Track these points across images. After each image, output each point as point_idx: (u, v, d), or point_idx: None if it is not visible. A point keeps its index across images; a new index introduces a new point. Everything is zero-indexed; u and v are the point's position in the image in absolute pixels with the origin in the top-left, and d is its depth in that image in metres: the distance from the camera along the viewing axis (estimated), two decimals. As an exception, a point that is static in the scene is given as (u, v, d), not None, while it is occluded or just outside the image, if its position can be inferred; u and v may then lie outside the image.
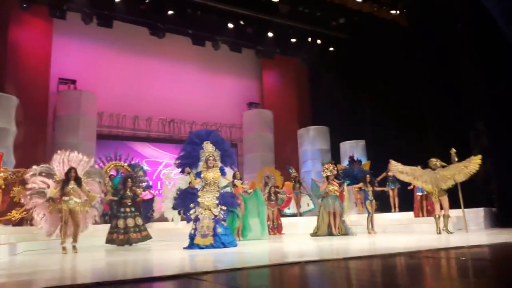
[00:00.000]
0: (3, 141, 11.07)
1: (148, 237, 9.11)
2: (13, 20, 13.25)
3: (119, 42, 15.95)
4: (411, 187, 11.19)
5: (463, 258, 4.22)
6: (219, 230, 6.98)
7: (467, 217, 10.07)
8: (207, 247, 6.77)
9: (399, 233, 9.68)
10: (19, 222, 9.50)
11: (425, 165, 8.92)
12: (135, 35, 15.94)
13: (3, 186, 9.06)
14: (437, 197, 8.52)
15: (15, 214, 9.15)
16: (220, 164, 7.51)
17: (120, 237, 8.79)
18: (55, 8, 13.66)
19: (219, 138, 7.78)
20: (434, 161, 8.69)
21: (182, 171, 7.51)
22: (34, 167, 7.75)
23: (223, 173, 7.55)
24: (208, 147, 7.48)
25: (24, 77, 12.95)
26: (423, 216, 10.98)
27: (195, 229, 7.01)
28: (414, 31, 13.61)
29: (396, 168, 9.00)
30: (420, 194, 11.03)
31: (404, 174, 8.94)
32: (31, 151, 11.62)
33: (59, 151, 8.09)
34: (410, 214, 11.36)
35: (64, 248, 7.19)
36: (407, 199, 11.54)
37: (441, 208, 8.61)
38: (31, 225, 8.65)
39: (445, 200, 8.52)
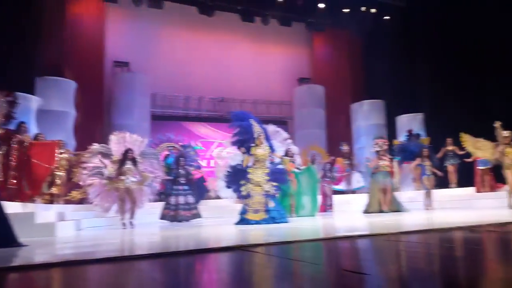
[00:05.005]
0: (64, 123, 11.69)
1: (197, 215, 9.35)
2: (68, 7, 13.75)
3: (169, 22, 16.18)
4: (471, 159, 10.65)
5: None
6: (270, 204, 6.98)
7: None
8: (258, 222, 6.80)
9: (459, 209, 9.28)
10: (80, 200, 10.01)
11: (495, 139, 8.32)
12: (184, 15, 16.13)
13: (66, 167, 9.54)
14: (510, 171, 7.95)
15: (76, 195, 9.66)
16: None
17: (170, 213, 9.17)
18: (107, -7, 14.08)
19: (256, 118, 7.80)
20: (500, 137, 8.11)
21: (240, 147, 7.53)
22: (94, 146, 8.17)
23: (272, 149, 7.57)
24: (255, 124, 7.50)
25: (81, 62, 13.45)
26: (485, 191, 10.46)
27: (247, 205, 7.07)
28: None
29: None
30: (482, 168, 10.48)
31: (470, 146, 8.44)
32: (90, 133, 12.13)
33: (116, 132, 8.45)
34: (471, 189, 10.84)
35: (123, 224, 7.54)
36: (468, 174, 10.99)
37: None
38: (90, 202, 9.09)
39: None
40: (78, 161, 9.67)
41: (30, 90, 10.87)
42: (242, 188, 7.19)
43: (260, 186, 7.13)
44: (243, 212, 7.08)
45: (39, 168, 7.48)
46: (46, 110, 11.28)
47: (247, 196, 7.12)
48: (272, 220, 6.85)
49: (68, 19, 13.57)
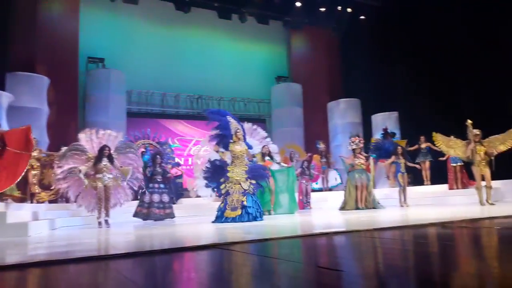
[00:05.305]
0: (37, 121, 11.38)
1: (170, 215, 9.26)
2: (40, 1, 13.42)
3: (145, 18, 16.02)
4: (444, 158, 10.92)
5: (498, 228, 4.07)
6: (246, 202, 6.99)
7: (505, 189, 9.79)
8: (234, 219, 6.81)
9: (433, 205, 9.48)
10: (54, 200, 9.82)
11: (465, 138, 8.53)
12: (161, 11, 16.00)
13: (35, 166, 9.32)
14: (479, 168, 8.16)
15: (44, 196, 9.47)
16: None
17: (143, 211, 9.05)
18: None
19: (233, 116, 7.85)
20: (471, 135, 8.31)
21: (218, 143, 7.50)
22: (63, 148, 7.99)
23: (249, 147, 7.59)
24: (232, 120, 7.50)
25: (53, 57, 13.19)
26: (457, 188, 10.73)
27: (226, 203, 7.05)
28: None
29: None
30: (455, 165, 10.76)
31: (443, 145, 8.63)
32: (63, 130, 11.93)
33: (85, 130, 8.28)
34: (444, 186, 11.12)
35: (99, 223, 7.43)
36: (441, 171, 11.26)
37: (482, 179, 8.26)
38: (66, 202, 8.94)
39: (487, 171, 8.17)
40: (50, 161, 9.50)
41: (0, 86, 10.58)
42: (221, 187, 7.18)
43: (239, 184, 7.14)
44: (222, 210, 7.06)
45: (16, 157, 7.18)
46: (18, 106, 11.00)
47: (226, 194, 7.11)
48: (248, 216, 6.86)
49: (40, 13, 13.25)
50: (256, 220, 6.84)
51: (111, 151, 7.77)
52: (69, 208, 8.96)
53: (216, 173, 7.39)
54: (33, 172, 9.30)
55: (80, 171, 7.49)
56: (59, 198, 9.59)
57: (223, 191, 7.18)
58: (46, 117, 11.97)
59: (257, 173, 7.54)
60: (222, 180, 7.25)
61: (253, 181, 7.32)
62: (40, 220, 6.97)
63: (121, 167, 7.91)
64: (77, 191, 7.82)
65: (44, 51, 12.95)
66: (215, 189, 7.66)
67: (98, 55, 14.77)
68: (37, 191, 9.34)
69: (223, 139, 7.43)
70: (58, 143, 10.54)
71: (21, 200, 8.87)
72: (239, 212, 6.92)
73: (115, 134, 8.33)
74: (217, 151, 7.57)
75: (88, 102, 13.81)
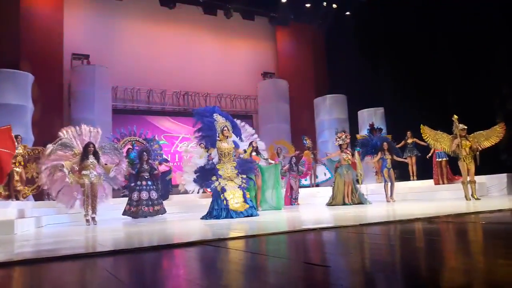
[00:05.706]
0: (21, 118, 11.22)
1: (160, 211, 9.22)
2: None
3: (130, 14, 15.88)
4: (429, 154, 11.05)
5: (483, 222, 4.13)
6: (248, 195, 7.21)
7: (490, 183, 9.92)
8: (241, 214, 6.84)
9: (419, 201, 9.57)
10: (40, 197, 9.69)
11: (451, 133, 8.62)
12: (146, 7, 15.88)
13: (22, 163, 9.20)
14: (465, 163, 8.26)
15: (26, 191, 9.35)
16: (233, 136, 7.55)
17: (131, 209, 8.99)
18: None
19: (223, 112, 7.92)
20: (458, 130, 8.40)
21: (205, 144, 7.54)
22: (49, 145, 7.90)
23: (236, 145, 7.62)
24: (219, 118, 7.55)
25: (37, 54, 12.95)
26: (443, 183, 10.84)
27: (226, 200, 7.02)
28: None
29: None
30: (440, 160, 10.86)
31: (430, 138, 8.71)
32: (49, 128, 11.72)
33: (62, 129, 8.18)
34: (430, 181, 11.22)
35: (87, 220, 7.38)
36: (428, 167, 11.37)
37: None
38: (53, 199, 8.84)
39: (472, 166, 8.27)
40: (33, 156, 9.39)
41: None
42: (215, 184, 7.17)
43: (232, 180, 7.17)
44: (222, 206, 7.00)
45: (3, 155, 7.09)
46: (2, 103, 10.86)
47: (223, 190, 7.10)
48: (251, 209, 6.97)
49: (24, 9, 13.01)
50: (253, 215, 6.92)
51: (96, 148, 7.72)
52: (56, 206, 8.86)
53: (207, 176, 7.41)
54: (17, 169, 9.17)
55: (63, 166, 7.42)
56: (45, 196, 9.48)
57: (218, 188, 7.15)
58: (30, 114, 11.77)
59: (246, 167, 7.66)
60: (213, 178, 7.25)
61: (244, 176, 7.44)
62: (27, 218, 6.90)
63: (106, 164, 7.88)
64: (59, 186, 7.74)
65: (28, 48, 12.74)
66: (208, 186, 7.71)
67: (83, 51, 14.56)
68: (19, 188, 9.18)
69: (209, 140, 7.45)
70: (43, 140, 10.38)
71: (6, 197, 8.76)
72: (246, 205, 6.99)
73: (94, 130, 8.26)
74: (202, 148, 7.61)
75: (73, 99, 13.62)
